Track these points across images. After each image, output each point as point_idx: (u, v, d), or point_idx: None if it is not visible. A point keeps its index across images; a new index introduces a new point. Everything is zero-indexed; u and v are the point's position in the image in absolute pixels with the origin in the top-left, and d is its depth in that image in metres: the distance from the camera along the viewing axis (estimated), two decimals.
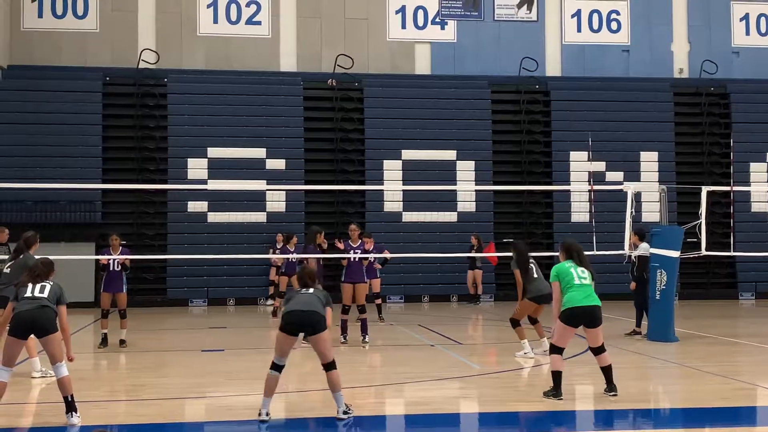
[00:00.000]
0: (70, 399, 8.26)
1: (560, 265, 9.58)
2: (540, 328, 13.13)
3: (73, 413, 8.23)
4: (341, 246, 14.65)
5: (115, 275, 14.19)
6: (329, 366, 8.40)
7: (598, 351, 9.41)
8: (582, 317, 9.23)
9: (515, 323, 12.85)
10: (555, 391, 9.18)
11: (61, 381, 8.29)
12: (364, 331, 14.33)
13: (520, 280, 12.98)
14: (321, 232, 15.85)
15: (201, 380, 10.95)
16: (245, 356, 13.30)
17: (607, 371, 9.44)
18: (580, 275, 9.40)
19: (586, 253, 11.63)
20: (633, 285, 15.29)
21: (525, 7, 26.02)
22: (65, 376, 8.29)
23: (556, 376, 9.21)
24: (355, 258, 14.31)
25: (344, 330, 14.46)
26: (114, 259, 14.13)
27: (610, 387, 9.42)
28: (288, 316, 8.36)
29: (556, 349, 9.31)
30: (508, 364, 12.13)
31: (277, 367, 8.39)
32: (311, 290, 8.62)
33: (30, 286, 8.49)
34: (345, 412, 8.37)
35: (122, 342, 14.13)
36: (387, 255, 16.99)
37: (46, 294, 8.41)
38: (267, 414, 8.34)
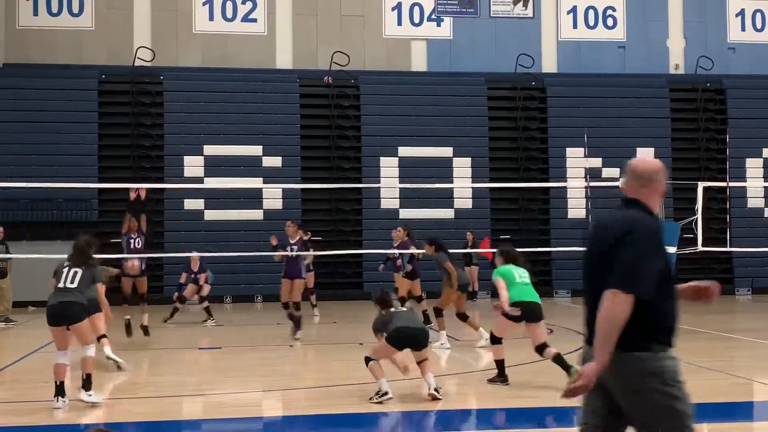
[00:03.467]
0: (86, 377, 8.76)
1: (500, 268, 10.11)
2: (443, 322, 13.85)
3: (84, 390, 8.73)
4: (275, 242, 14.90)
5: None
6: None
7: (542, 348, 9.79)
8: (526, 314, 9.75)
9: (465, 317, 13.88)
10: (502, 378, 9.90)
11: (84, 360, 8.77)
12: (297, 326, 14.43)
13: (452, 268, 13.80)
14: None
15: (198, 378, 10.95)
16: (242, 354, 13.30)
17: (559, 360, 9.67)
18: (521, 275, 9.98)
19: (583, 249, 11.70)
20: None
21: (521, 3, 26.01)
22: (89, 356, 8.79)
23: (500, 363, 9.90)
24: (292, 254, 14.58)
25: (297, 325, 14.49)
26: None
27: (570, 370, 9.43)
28: (402, 331, 9.04)
29: (496, 340, 9.98)
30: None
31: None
32: (402, 308, 9.63)
33: (65, 273, 8.92)
34: (436, 390, 9.04)
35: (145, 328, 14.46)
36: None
37: (76, 284, 8.85)
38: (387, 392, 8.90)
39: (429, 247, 14.29)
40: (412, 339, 9.02)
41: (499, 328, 10.02)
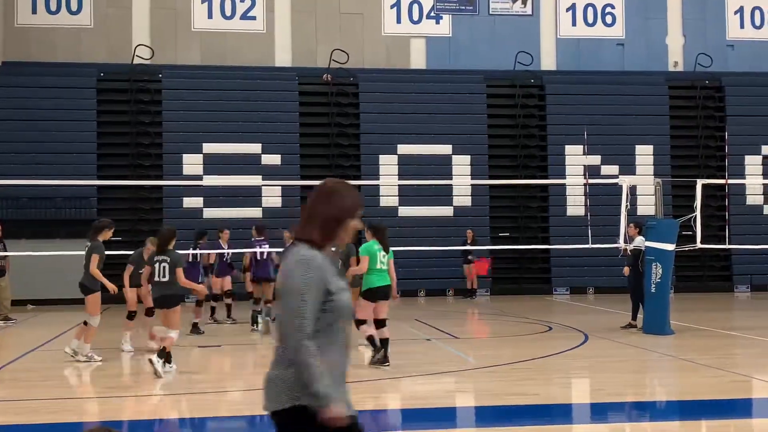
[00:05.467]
0: (166, 352, 10.48)
1: (371, 246, 11.21)
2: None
3: (165, 363, 10.45)
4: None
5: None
6: None
7: (382, 323, 11.10)
8: (378, 294, 11.10)
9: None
10: (377, 352, 11.07)
11: (168, 338, 10.60)
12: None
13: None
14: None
15: (198, 376, 10.96)
16: (242, 352, 13.31)
17: (385, 343, 11.02)
18: (381, 260, 11.15)
19: (582, 246, 11.85)
20: (626, 270, 15.26)
21: (520, 1, 26.00)
22: (172, 337, 10.66)
23: (371, 339, 11.17)
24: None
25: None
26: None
27: (386, 358, 10.95)
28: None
29: (361, 322, 11.17)
30: (503, 357, 12.15)
31: None
32: None
33: (157, 267, 10.77)
34: None
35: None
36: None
37: (167, 276, 10.72)
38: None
39: None
40: None
41: (364, 312, 11.11)
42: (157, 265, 10.80)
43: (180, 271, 10.75)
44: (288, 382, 3.58)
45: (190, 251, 15.90)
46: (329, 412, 3.49)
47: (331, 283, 3.65)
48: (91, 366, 11.47)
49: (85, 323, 11.79)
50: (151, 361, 10.36)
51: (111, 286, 11.86)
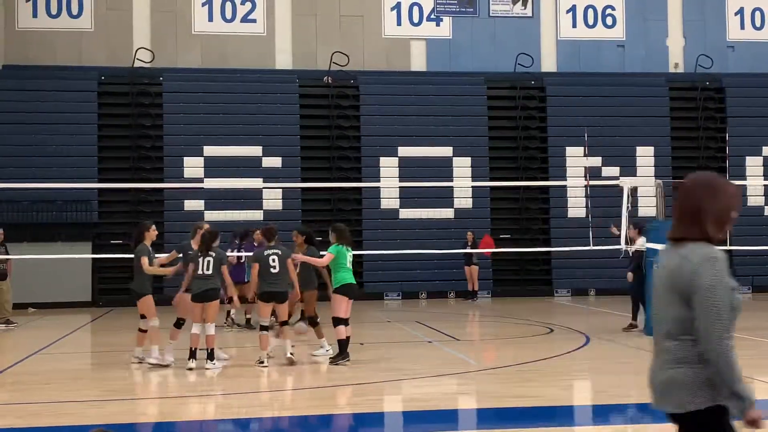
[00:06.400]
0: (210, 351, 11.12)
1: (338, 247, 11.38)
2: (320, 330, 12.46)
3: (209, 360, 11.08)
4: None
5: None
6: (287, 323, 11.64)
7: (346, 322, 11.25)
8: (351, 291, 11.39)
9: (315, 322, 12.51)
10: (342, 356, 11.22)
11: (207, 337, 11.08)
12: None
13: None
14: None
15: (196, 379, 10.95)
16: (237, 355, 13.29)
17: (344, 342, 11.26)
18: (350, 259, 11.43)
19: (584, 248, 11.75)
20: (630, 276, 15.22)
21: (520, 3, 26.00)
22: (212, 334, 11.15)
23: (343, 343, 11.22)
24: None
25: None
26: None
27: (344, 357, 11.24)
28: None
29: (340, 321, 11.19)
30: (505, 359, 12.14)
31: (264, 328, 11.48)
32: (275, 267, 11.30)
33: (201, 260, 11.06)
34: (291, 354, 11.39)
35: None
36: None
37: (211, 270, 11.09)
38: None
39: (299, 236, 12.85)
40: (274, 295, 11.31)
41: (341, 310, 11.22)
42: (201, 260, 11.11)
43: (225, 268, 11.31)
44: (703, 380, 3.55)
45: (235, 253, 15.98)
46: (751, 415, 3.47)
47: (731, 281, 3.62)
48: (89, 368, 11.47)
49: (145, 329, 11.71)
50: (207, 368, 11.02)
51: (167, 271, 11.90)
